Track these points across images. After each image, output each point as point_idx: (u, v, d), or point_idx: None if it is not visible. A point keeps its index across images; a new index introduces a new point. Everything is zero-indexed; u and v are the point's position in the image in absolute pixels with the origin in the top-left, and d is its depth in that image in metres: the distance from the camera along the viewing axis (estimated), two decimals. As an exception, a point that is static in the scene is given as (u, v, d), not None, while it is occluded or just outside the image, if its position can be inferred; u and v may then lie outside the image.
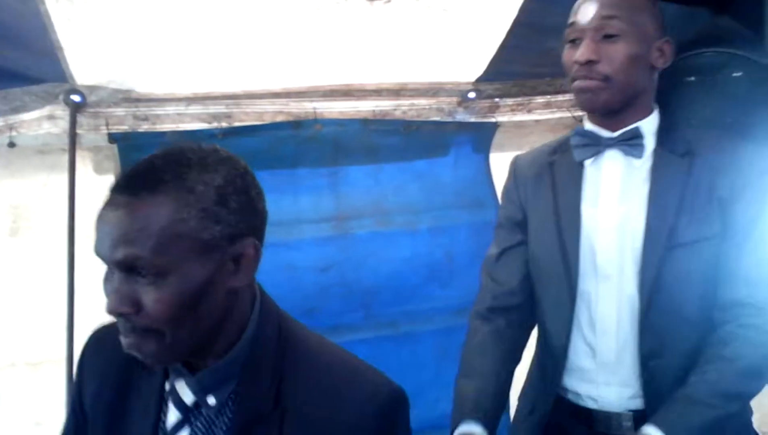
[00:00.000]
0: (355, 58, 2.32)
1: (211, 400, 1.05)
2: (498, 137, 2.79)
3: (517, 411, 1.60)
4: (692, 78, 2.62)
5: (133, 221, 0.94)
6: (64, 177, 2.00)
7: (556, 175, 1.51)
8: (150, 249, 0.93)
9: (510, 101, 2.71)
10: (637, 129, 1.42)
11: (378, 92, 2.48)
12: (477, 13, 2.25)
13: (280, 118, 2.38)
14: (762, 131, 2.55)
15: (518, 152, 2.63)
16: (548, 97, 2.74)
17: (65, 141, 2.03)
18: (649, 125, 1.44)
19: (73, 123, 2.02)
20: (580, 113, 2.78)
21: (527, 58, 2.53)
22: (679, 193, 1.36)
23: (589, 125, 1.48)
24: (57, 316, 1.98)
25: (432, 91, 2.56)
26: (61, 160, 2.03)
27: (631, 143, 1.42)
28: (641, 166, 1.41)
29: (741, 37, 2.42)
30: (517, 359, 1.57)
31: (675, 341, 1.36)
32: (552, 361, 1.48)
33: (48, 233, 2.09)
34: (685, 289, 1.36)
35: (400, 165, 2.70)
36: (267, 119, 2.37)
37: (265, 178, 2.49)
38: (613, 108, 1.41)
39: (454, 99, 2.63)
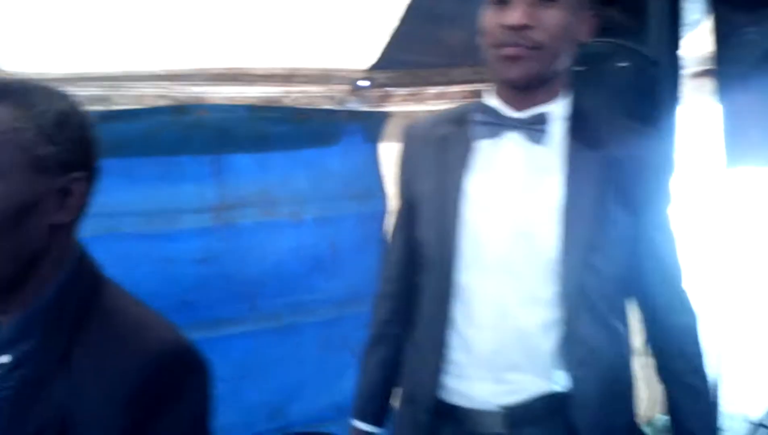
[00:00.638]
0: (244, 41, 2.31)
1: (5, 358, 1.05)
2: (389, 127, 2.84)
3: (402, 394, 1.60)
4: (580, 67, 2.79)
5: None
6: None
7: (447, 150, 1.44)
8: None
9: (402, 91, 2.79)
10: (544, 112, 1.37)
11: (267, 78, 2.47)
12: (370, -1, 2.28)
13: (161, 103, 2.34)
14: (646, 121, 2.76)
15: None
16: (441, 87, 2.82)
17: None
18: (558, 109, 1.40)
19: (-72, 103, 1.89)
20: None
21: (420, 46, 2.60)
22: (595, 194, 1.35)
23: (492, 100, 1.42)
24: None
25: (323, 78, 2.58)
26: None
27: (536, 128, 1.36)
28: (548, 156, 1.38)
29: (626, 28, 2.60)
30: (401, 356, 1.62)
31: (598, 343, 1.39)
32: (430, 356, 1.46)
33: None
34: (607, 295, 1.39)
35: (288, 153, 2.73)
36: (147, 103, 2.32)
37: (143, 166, 2.49)
38: (538, 81, 1.35)
39: (346, 87, 2.66)
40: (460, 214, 1.39)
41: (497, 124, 1.38)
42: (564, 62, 1.38)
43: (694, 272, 4.08)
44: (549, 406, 1.40)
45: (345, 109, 2.73)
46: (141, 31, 2.11)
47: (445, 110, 1.58)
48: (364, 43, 2.52)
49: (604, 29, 2.68)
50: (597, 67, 2.80)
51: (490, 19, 1.34)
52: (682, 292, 1.47)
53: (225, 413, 2.75)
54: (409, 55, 2.62)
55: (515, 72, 1.33)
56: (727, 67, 2.93)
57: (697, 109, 3.19)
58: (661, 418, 3.90)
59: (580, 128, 1.39)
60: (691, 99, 3.06)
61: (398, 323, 1.60)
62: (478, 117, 1.40)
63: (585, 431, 1.38)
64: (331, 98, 2.66)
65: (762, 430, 3.13)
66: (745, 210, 3.78)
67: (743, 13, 2.83)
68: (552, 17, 1.31)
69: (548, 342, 1.38)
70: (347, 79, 2.64)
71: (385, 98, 2.79)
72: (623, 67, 2.80)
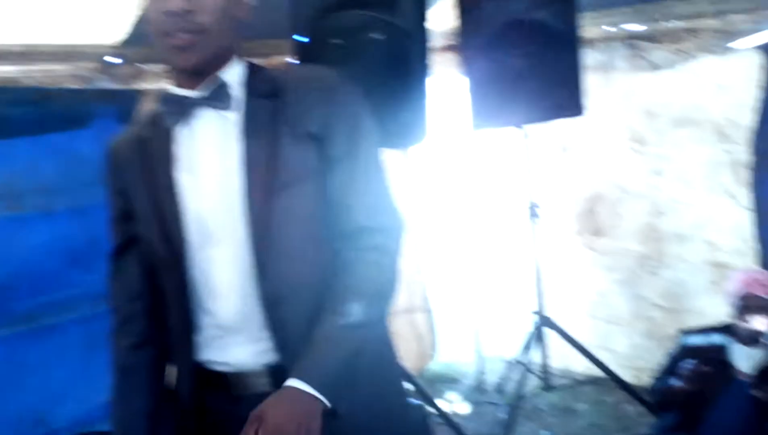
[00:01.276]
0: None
1: None
2: (145, 106, 2.69)
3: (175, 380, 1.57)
4: (337, 40, 2.83)
5: None
6: None
7: (149, 150, 1.46)
8: None
9: (156, 67, 2.66)
10: (220, 80, 1.41)
11: (1, 56, 2.22)
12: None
13: None
14: (399, 92, 2.87)
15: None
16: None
17: None
18: (233, 74, 1.44)
19: None
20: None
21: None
22: (271, 136, 1.40)
23: (173, 88, 1.43)
24: None
25: (68, 55, 2.39)
26: None
27: (218, 97, 1.40)
28: (234, 119, 1.42)
29: (379, 1, 2.68)
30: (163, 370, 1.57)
31: (297, 285, 1.43)
32: (185, 343, 1.48)
33: None
34: (296, 231, 1.43)
35: (32, 139, 2.50)
36: None
37: None
38: (209, 63, 1.38)
39: (94, 64, 2.48)
40: (178, 203, 1.42)
41: (184, 108, 1.42)
42: (231, 37, 1.44)
43: (443, 229, 4.35)
44: None
45: (94, 88, 2.55)
46: None
47: (140, 118, 1.60)
48: (112, 16, 2.37)
49: (358, 2, 2.76)
50: (352, 40, 2.85)
51: (152, 6, 1.37)
52: (372, 231, 1.46)
53: (-18, 427, 2.52)
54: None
55: (187, 60, 1.35)
56: (469, 39, 3.15)
57: (444, 80, 3.38)
58: (430, 368, 4.18)
59: (255, 84, 1.45)
60: (439, 70, 3.23)
61: (152, 343, 1.55)
62: (165, 109, 1.43)
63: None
64: (78, 77, 2.48)
65: (518, 366, 3.43)
66: (490, 168, 4.09)
67: (483, -12, 3.03)
68: None
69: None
70: (95, 55, 2.47)
71: (138, 75, 2.67)
72: (378, 39, 2.88)
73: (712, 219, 3.38)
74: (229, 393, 1.46)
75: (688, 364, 2.50)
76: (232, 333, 1.44)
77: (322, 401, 1.29)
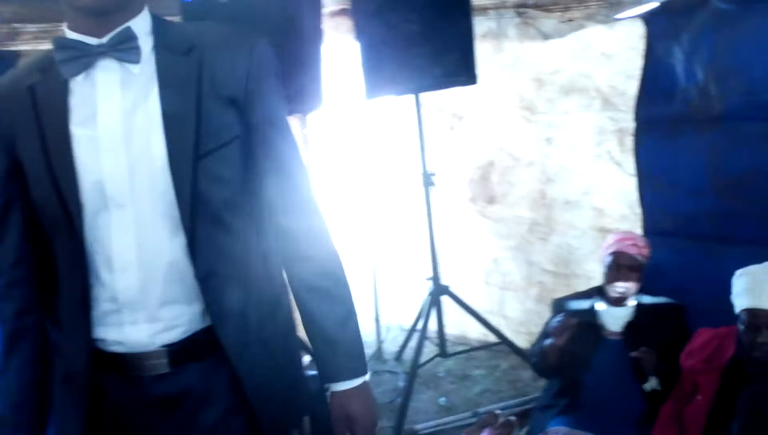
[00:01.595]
0: None
1: None
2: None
3: (57, 376, 1.51)
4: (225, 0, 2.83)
5: None
6: None
7: (38, 100, 1.35)
8: None
9: (33, 27, 2.59)
10: (128, 30, 1.33)
11: None
12: None
13: None
14: (293, 56, 2.87)
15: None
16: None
17: None
18: (141, 23, 1.36)
19: None
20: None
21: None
22: (193, 97, 1.35)
23: (71, 34, 1.34)
24: None
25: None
26: None
27: (124, 47, 1.32)
28: (142, 73, 1.34)
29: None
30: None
31: (229, 251, 1.42)
32: (77, 317, 1.41)
33: None
34: (221, 197, 1.40)
35: None
36: None
37: None
38: (116, 6, 1.31)
39: (-36, 23, 2.41)
40: (74, 160, 1.34)
41: (83, 56, 1.33)
42: None
43: (342, 193, 4.40)
44: (210, 337, 1.41)
45: (-35, 49, 2.47)
46: None
47: (25, 64, 1.47)
48: (-19, -29, 2.30)
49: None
50: (242, 1, 2.86)
51: None
52: (305, 193, 1.50)
53: None
54: (35, -14, 2.44)
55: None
56: (360, 4, 3.18)
57: (337, 46, 3.42)
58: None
59: (166, 36, 1.40)
60: (331, 36, 3.27)
61: (38, 310, 1.48)
62: (61, 55, 1.34)
63: (232, 345, 1.41)
64: (-54, 38, 2.39)
65: (415, 334, 3.52)
66: (384, 135, 4.16)
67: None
68: None
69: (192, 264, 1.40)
70: (-35, 14, 2.38)
71: (14, 36, 2.58)
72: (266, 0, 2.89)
73: (599, 186, 3.53)
74: (125, 374, 1.41)
75: (557, 319, 2.60)
76: (129, 309, 1.37)
77: (367, 380, 1.50)
